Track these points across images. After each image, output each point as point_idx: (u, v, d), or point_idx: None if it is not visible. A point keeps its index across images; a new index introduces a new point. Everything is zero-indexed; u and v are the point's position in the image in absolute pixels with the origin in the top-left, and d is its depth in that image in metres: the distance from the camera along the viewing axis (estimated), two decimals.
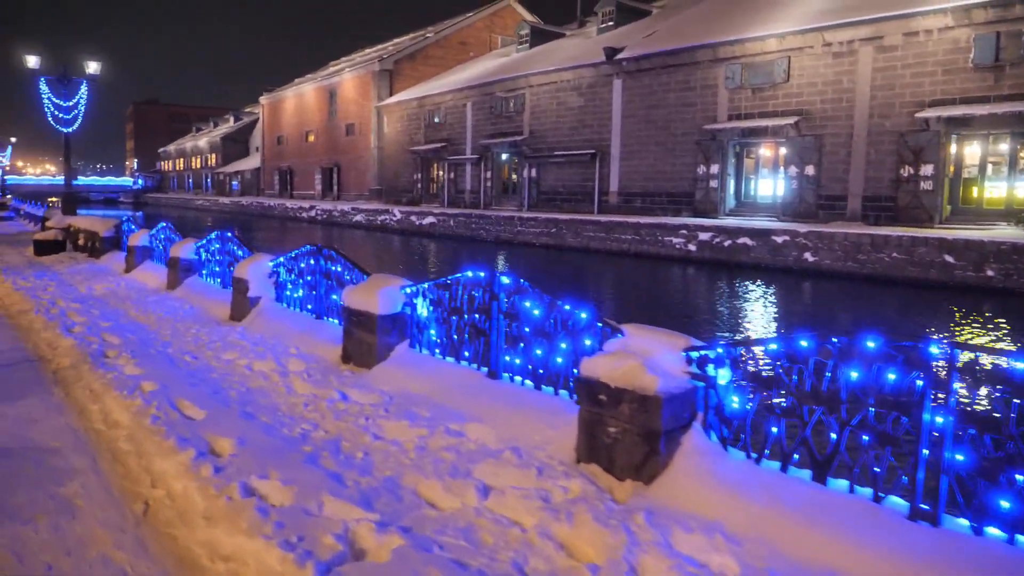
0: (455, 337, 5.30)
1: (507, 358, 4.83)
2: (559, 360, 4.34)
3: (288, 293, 7.93)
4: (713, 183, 28.33)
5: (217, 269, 10.01)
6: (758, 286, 19.64)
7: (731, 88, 27.54)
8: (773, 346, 3.27)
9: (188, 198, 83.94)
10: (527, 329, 4.51)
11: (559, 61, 35.59)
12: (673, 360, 3.38)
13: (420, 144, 45.07)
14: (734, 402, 3.36)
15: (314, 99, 60.14)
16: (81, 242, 15.14)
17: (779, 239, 22.70)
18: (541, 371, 4.53)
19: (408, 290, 5.68)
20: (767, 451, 3.33)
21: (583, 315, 4.09)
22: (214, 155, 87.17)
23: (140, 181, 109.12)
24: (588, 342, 4.04)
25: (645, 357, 3.37)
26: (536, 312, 4.42)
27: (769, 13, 28.04)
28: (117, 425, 4.59)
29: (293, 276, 7.75)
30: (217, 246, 9.94)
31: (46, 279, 11.60)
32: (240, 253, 9.13)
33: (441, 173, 43.85)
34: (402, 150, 47.48)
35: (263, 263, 7.99)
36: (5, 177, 65.20)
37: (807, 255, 21.95)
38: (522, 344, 4.60)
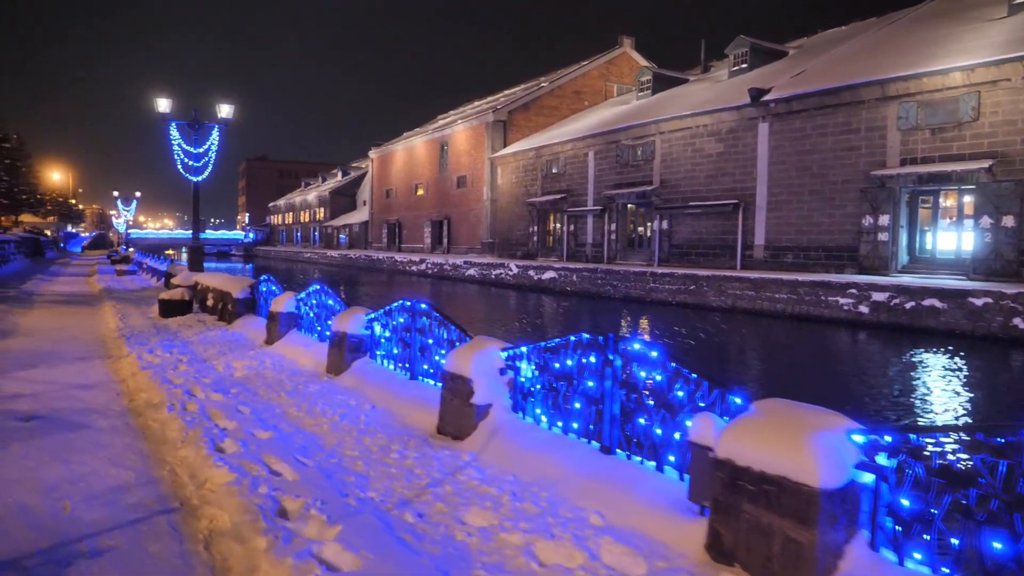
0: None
1: None
2: None
3: (533, 401, 5.31)
4: (882, 236, 24.92)
5: (397, 351, 7.60)
6: (991, 358, 16.13)
7: (904, 129, 24.30)
8: None
9: (296, 251, 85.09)
10: None
11: (690, 106, 33.11)
12: None
13: (537, 195, 43.19)
14: None
15: (424, 152, 59.63)
16: (210, 303, 13.29)
17: (978, 302, 19.24)
18: None
19: (859, 438, 3.01)
20: None
21: None
22: (322, 209, 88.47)
23: (251, 235, 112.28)
24: None
25: None
26: None
27: (940, 46, 24.87)
28: None
29: (548, 377, 5.12)
30: (401, 320, 7.36)
31: (176, 351, 9.75)
32: (444, 334, 6.54)
33: (559, 226, 41.75)
34: (517, 202, 45.72)
35: (492, 353, 5.46)
36: (129, 231, 67.27)
37: (1017, 321, 18.44)
38: None
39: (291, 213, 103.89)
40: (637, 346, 4.04)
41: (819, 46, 35.38)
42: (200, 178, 16.72)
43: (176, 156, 16.28)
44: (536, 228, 43.30)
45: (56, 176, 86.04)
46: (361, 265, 60.24)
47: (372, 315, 7.99)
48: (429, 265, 47.50)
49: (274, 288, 11.64)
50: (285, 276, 52.88)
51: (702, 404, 3.80)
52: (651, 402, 4.07)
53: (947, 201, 24.55)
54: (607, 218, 37.12)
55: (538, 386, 5.15)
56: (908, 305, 20.70)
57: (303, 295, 10.21)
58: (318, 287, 9.77)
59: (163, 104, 15.85)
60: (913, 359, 16.40)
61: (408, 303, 7.29)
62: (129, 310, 14.99)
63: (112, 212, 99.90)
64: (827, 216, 26.69)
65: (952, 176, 22.98)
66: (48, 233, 72.39)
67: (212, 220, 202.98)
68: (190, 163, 16.29)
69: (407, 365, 7.43)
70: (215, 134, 16.68)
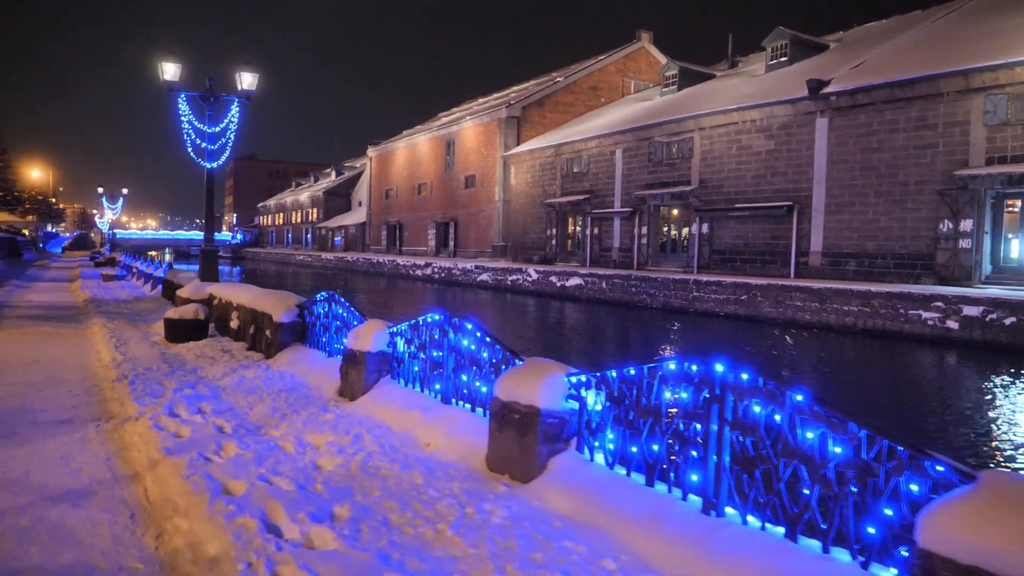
0: None
1: None
2: None
3: None
4: (964, 243, 22.32)
5: (632, 440, 4.21)
6: None
7: (991, 124, 21.74)
8: None
9: (288, 253, 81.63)
10: None
11: (730, 100, 30.46)
12: None
13: (555, 196, 40.34)
14: None
15: (428, 150, 56.61)
16: (234, 325, 10.01)
17: None
18: None
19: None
20: None
21: None
22: (315, 209, 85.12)
23: (239, 236, 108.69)
24: None
25: None
26: None
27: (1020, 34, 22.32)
28: None
29: None
30: (681, 395, 3.85)
31: (208, 410, 6.51)
32: (821, 436, 3.14)
33: (578, 228, 38.94)
34: (533, 203, 42.85)
35: None
36: (114, 231, 63.62)
37: None
38: None
39: (282, 214, 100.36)
40: None
41: (862, 40, 32.90)
42: (216, 164, 13.55)
43: (187, 138, 13.13)
44: (555, 231, 40.46)
45: (36, 174, 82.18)
46: (360, 268, 57.07)
47: (580, 375, 4.49)
48: (436, 269, 44.56)
49: (340, 311, 7.97)
50: (278, 280, 49.66)
51: None
52: None
53: None
54: (637, 220, 34.33)
55: None
56: (1008, 321, 18.20)
57: (404, 327, 6.52)
58: (440, 316, 6.06)
59: (169, 71, 12.54)
60: None
61: (692, 366, 3.77)
62: (125, 331, 11.84)
63: (94, 211, 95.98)
64: (897, 220, 24.06)
65: None
66: (27, 233, 68.64)
67: (196, 220, 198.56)
68: (204, 145, 13.17)
69: (685, 480, 3.93)
70: (235, 109, 13.48)
